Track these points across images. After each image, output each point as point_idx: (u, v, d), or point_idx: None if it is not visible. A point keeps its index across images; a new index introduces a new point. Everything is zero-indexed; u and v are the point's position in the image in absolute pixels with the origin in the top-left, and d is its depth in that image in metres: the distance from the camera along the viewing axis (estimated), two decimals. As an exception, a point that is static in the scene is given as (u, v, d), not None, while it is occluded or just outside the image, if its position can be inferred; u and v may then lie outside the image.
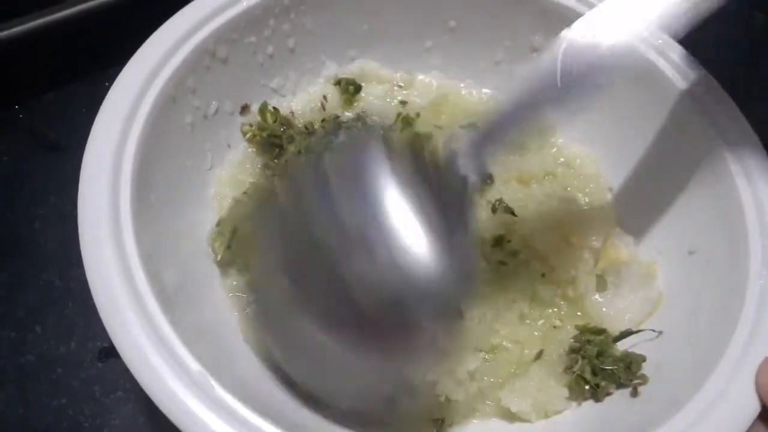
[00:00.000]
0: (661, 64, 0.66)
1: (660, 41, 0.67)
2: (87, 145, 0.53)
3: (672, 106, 0.65)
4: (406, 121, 0.73)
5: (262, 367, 0.56)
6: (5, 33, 0.76)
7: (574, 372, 0.59)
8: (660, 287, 0.64)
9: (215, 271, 0.62)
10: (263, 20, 0.67)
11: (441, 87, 0.78)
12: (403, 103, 0.76)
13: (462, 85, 0.79)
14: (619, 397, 0.56)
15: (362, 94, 0.75)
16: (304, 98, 0.74)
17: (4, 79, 0.80)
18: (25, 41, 0.76)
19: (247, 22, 0.66)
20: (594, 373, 0.58)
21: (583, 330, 0.61)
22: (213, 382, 0.46)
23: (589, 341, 0.60)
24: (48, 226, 0.72)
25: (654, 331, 0.60)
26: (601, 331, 0.61)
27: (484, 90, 0.79)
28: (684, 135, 0.64)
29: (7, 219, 0.73)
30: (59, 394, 0.64)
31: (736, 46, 0.90)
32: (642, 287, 0.64)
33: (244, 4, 0.65)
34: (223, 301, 0.61)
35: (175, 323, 0.48)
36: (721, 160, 0.60)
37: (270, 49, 0.70)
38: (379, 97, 0.76)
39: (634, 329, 0.61)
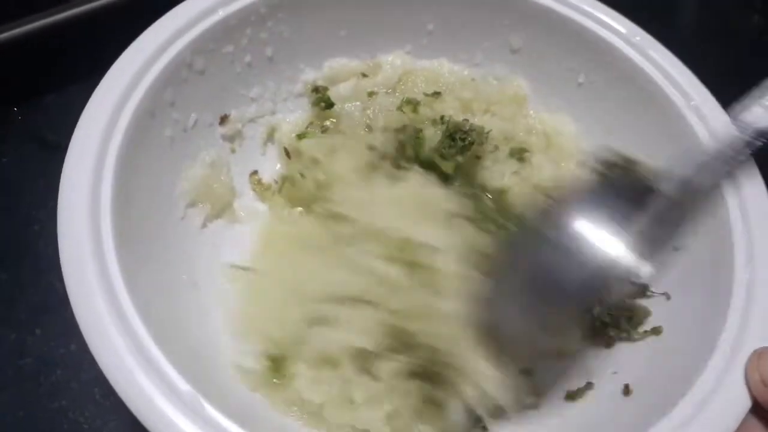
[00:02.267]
0: (644, 64, 0.66)
1: (638, 38, 0.67)
2: (64, 166, 0.52)
3: (655, 104, 0.65)
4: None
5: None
6: (4, 35, 0.75)
7: (593, 315, 0.61)
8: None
9: (199, 288, 0.61)
10: (240, 29, 0.66)
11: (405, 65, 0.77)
12: (371, 94, 0.74)
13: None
14: (610, 396, 0.56)
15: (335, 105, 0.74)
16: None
17: (4, 81, 0.79)
18: (25, 43, 0.76)
19: (223, 32, 0.65)
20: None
21: None
22: (203, 402, 0.45)
23: None
24: (48, 229, 0.71)
25: (657, 293, 0.61)
26: None
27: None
28: (668, 131, 0.64)
29: (7, 222, 0.73)
30: (59, 396, 0.64)
31: (734, 45, 0.91)
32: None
33: (220, 13, 0.64)
34: (209, 319, 0.60)
35: (162, 343, 0.47)
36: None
37: (248, 59, 0.69)
38: (348, 98, 0.75)
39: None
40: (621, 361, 0.59)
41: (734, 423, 0.47)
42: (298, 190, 0.69)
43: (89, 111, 0.56)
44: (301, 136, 0.71)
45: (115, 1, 0.78)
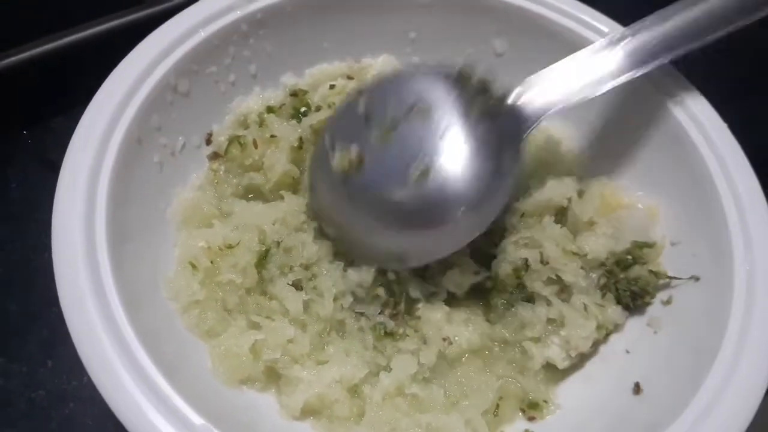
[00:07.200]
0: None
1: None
2: (54, 203, 0.51)
3: (650, 108, 0.66)
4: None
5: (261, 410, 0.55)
6: (12, 59, 0.74)
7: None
8: (663, 231, 0.64)
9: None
10: (222, 49, 0.66)
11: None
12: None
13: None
14: (621, 396, 0.56)
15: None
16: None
17: (12, 105, 0.77)
18: (32, 67, 0.75)
19: (206, 53, 0.64)
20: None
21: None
22: (218, 434, 0.44)
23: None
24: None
25: (677, 278, 0.60)
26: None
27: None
28: (663, 135, 0.64)
29: (18, 248, 0.71)
30: (72, 430, 0.63)
31: (743, 62, 0.91)
32: (645, 230, 0.65)
33: (202, 34, 0.63)
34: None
35: (171, 377, 0.46)
36: (698, 155, 0.60)
37: (232, 77, 0.68)
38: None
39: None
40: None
41: (747, 417, 0.48)
42: (245, 156, 0.66)
43: (75, 143, 0.55)
44: (270, 109, 0.70)
45: (121, 24, 0.78)
